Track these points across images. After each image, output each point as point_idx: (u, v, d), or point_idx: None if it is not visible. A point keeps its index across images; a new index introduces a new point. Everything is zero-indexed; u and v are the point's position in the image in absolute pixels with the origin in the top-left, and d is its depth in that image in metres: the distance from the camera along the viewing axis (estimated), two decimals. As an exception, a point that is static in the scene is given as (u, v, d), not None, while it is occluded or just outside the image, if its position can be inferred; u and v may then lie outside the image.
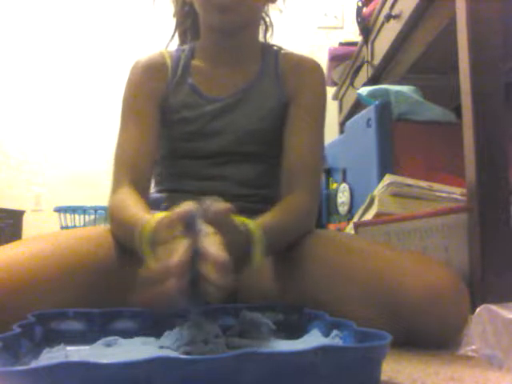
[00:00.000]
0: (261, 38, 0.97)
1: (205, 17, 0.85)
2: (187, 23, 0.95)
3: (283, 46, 0.94)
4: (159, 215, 0.60)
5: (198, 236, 0.49)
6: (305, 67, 0.88)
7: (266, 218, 0.70)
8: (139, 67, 0.88)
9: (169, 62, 0.88)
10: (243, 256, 0.62)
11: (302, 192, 0.79)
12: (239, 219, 0.63)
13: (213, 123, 0.85)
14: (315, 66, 0.89)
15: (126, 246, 0.68)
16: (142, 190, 0.79)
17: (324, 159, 0.88)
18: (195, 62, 0.89)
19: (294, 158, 0.82)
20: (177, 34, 0.97)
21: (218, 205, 0.55)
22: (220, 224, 0.53)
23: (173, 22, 0.96)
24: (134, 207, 0.71)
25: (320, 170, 0.90)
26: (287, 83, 0.87)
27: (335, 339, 0.52)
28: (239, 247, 0.60)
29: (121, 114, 0.86)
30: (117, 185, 0.79)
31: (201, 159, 0.86)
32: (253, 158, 0.86)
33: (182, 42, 0.97)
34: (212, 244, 0.49)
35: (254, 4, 0.83)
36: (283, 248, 0.75)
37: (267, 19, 0.97)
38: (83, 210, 2.64)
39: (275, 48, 0.93)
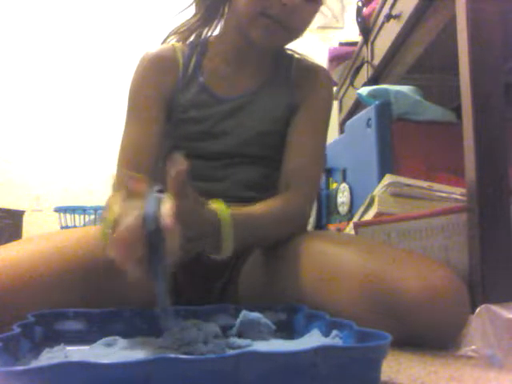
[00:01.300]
0: None
1: (245, 28, 0.80)
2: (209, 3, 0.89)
3: (297, 51, 0.94)
4: None
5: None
6: (316, 76, 0.89)
7: (244, 208, 0.71)
8: (148, 60, 0.85)
9: (180, 57, 0.86)
10: (214, 241, 0.63)
11: (295, 193, 0.79)
12: (211, 203, 0.64)
13: (221, 124, 0.84)
14: (325, 76, 0.91)
15: None
16: None
17: (324, 163, 0.89)
18: (207, 60, 0.88)
19: (294, 160, 0.83)
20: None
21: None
22: (179, 191, 0.52)
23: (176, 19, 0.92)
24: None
25: (318, 176, 0.90)
26: (297, 90, 0.87)
27: (335, 339, 0.52)
28: (207, 228, 0.61)
29: (126, 109, 0.85)
30: (117, 182, 0.79)
31: (205, 160, 0.85)
32: (258, 160, 0.86)
33: (204, 21, 0.91)
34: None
35: (304, 27, 0.81)
36: (266, 243, 0.76)
37: None
38: (83, 210, 2.64)
39: (289, 52, 0.93)
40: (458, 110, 1.05)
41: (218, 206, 0.65)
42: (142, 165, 0.80)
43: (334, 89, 2.44)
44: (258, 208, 0.74)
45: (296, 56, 0.92)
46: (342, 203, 1.53)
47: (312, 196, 0.85)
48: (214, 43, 0.90)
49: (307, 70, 0.90)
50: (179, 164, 0.52)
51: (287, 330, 0.62)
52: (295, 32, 0.81)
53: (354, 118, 1.51)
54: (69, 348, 0.54)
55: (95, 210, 2.62)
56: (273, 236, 0.76)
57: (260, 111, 0.85)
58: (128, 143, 0.82)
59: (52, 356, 0.49)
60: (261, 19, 0.77)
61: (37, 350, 0.52)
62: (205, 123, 0.84)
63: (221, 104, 0.85)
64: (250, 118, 0.85)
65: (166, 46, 0.89)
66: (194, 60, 0.87)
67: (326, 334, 0.54)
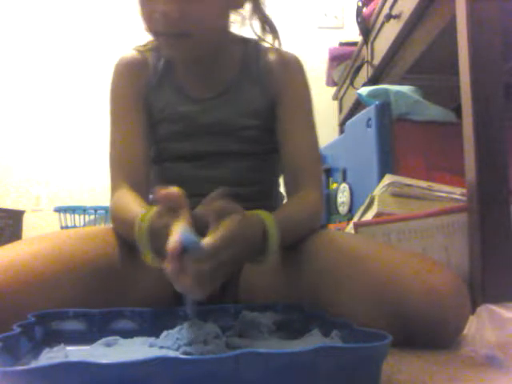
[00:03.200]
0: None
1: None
2: None
3: (260, 40, 0.90)
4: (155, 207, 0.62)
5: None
6: (287, 64, 0.86)
7: (279, 211, 0.72)
8: (119, 64, 0.87)
9: (150, 59, 0.87)
10: (258, 248, 0.63)
11: (309, 189, 0.80)
12: (253, 212, 0.64)
13: (197, 122, 0.84)
14: (297, 62, 0.88)
15: (130, 243, 0.69)
16: (140, 189, 0.79)
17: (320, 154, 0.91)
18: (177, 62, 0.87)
19: (295, 157, 0.82)
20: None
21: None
22: (220, 211, 0.56)
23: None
24: (133, 204, 0.72)
25: (320, 165, 0.91)
26: (270, 80, 0.85)
27: (335, 339, 0.52)
28: (255, 238, 0.61)
29: (110, 114, 0.87)
30: (115, 187, 0.80)
31: (186, 161, 0.85)
32: (241, 156, 0.85)
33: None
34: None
35: (209, 24, 0.75)
36: (294, 242, 0.76)
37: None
38: (83, 210, 2.64)
39: (255, 43, 0.89)
40: (457, 110, 1.05)
41: (259, 212, 0.65)
42: (137, 167, 0.82)
43: (334, 89, 2.45)
44: (289, 209, 0.75)
45: (263, 47, 0.89)
46: (342, 203, 1.53)
47: (322, 188, 0.86)
48: None
49: (276, 60, 0.87)
50: (216, 194, 0.57)
51: (287, 330, 0.62)
52: (203, 33, 0.75)
53: (354, 118, 1.51)
54: (69, 348, 0.54)
55: (95, 209, 2.62)
56: (302, 235, 0.76)
57: (235, 106, 0.85)
58: (120, 148, 0.83)
59: (52, 356, 0.49)
60: (160, 38, 0.76)
61: (37, 350, 0.52)
62: (181, 123, 0.84)
63: (194, 103, 0.85)
64: (226, 114, 0.85)
65: (137, 48, 0.89)
66: (162, 61, 0.87)
67: (326, 334, 0.54)
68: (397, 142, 1.28)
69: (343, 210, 1.52)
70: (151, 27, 0.75)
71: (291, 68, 0.87)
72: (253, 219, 0.62)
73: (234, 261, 0.57)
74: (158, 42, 0.78)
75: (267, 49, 0.89)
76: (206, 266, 0.51)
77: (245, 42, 0.89)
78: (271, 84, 0.85)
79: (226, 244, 0.54)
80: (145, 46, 0.89)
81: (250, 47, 0.89)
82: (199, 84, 0.86)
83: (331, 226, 1.60)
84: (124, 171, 0.81)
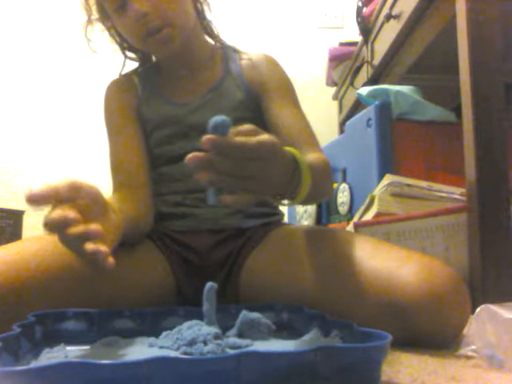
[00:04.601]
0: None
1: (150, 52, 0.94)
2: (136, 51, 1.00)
3: (240, 48, 0.99)
4: None
5: None
6: (261, 61, 0.93)
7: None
8: (109, 86, 0.96)
9: (136, 78, 0.96)
10: (291, 184, 0.60)
11: (314, 151, 0.80)
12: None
13: (186, 123, 0.88)
14: (271, 58, 0.95)
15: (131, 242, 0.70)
16: (139, 193, 0.83)
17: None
18: (161, 75, 0.95)
19: (289, 131, 0.85)
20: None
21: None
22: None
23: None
24: None
25: (314, 133, 0.89)
26: (249, 78, 0.92)
27: (335, 339, 0.52)
28: (289, 161, 0.57)
29: (106, 128, 0.93)
30: (113, 191, 0.85)
31: (181, 161, 0.87)
32: None
33: (142, 62, 1.01)
34: None
35: (183, 18, 0.84)
36: (317, 197, 0.76)
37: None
38: (83, 210, 2.63)
39: (232, 49, 0.98)
40: (457, 110, 1.05)
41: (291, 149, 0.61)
42: (139, 175, 0.86)
43: (334, 89, 2.45)
44: (312, 158, 0.73)
45: (240, 52, 0.97)
46: (342, 203, 1.53)
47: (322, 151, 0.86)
48: (161, 60, 0.97)
49: (252, 60, 0.94)
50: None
51: (287, 330, 0.62)
52: (179, 19, 0.83)
53: (354, 117, 1.51)
54: (69, 348, 0.54)
55: (95, 209, 2.62)
56: (324, 189, 0.76)
57: (221, 104, 0.89)
58: (114, 156, 0.89)
59: (52, 356, 0.49)
60: (147, 42, 0.84)
61: (37, 350, 0.52)
62: (171, 126, 0.89)
63: (182, 106, 0.90)
64: (213, 112, 0.86)
65: (121, 75, 0.99)
66: (149, 78, 0.95)
67: (326, 334, 0.54)
68: (397, 142, 1.28)
69: (343, 210, 1.52)
70: (136, 36, 0.84)
71: (269, 61, 0.94)
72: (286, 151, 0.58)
73: (267, 173, 0.51)
74: (147, 46, 0.86)
75: (243, 52, 0.98)
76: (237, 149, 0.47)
77: (222, 47, 0.98)
78: (253, 78, 0.91)
79: (263, 140, 0.49)
80: (129, 73, 0.98)
81: (228, 50, 0.97)
82: (185, 89, 0.92)
83: (331, 226, 1.60)
84: (122, 179, 0.86)
